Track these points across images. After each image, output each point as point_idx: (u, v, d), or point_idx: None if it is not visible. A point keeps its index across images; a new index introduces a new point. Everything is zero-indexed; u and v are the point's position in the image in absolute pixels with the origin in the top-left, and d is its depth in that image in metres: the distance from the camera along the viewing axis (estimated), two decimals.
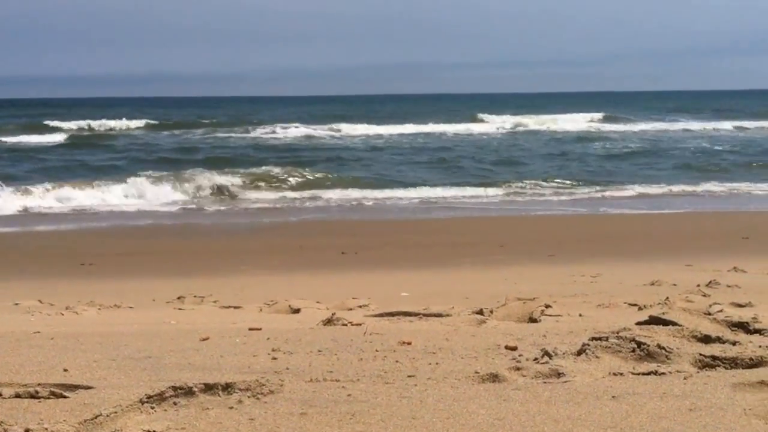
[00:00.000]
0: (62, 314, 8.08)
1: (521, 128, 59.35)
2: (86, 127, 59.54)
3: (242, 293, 10.30)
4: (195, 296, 9.80)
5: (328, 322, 6.29)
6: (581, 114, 70.23)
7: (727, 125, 60.67)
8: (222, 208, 24.41)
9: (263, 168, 31.59)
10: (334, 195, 26.22)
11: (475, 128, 59.01)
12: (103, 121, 62.63)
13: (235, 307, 8.62)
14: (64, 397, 4.12)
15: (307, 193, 26.76)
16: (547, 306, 6.94)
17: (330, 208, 23.92)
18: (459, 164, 36.07)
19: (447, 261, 14.16)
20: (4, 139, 46.78)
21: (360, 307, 8.13)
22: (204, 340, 5.48)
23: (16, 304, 9.33)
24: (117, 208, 23.52)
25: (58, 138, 48.71)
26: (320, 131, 55.25)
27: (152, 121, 64.38)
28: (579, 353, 4.75)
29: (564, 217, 22.34)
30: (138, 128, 60.16)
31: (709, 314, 5.85)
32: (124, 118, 64.62)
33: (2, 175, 28.23)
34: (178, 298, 9.76)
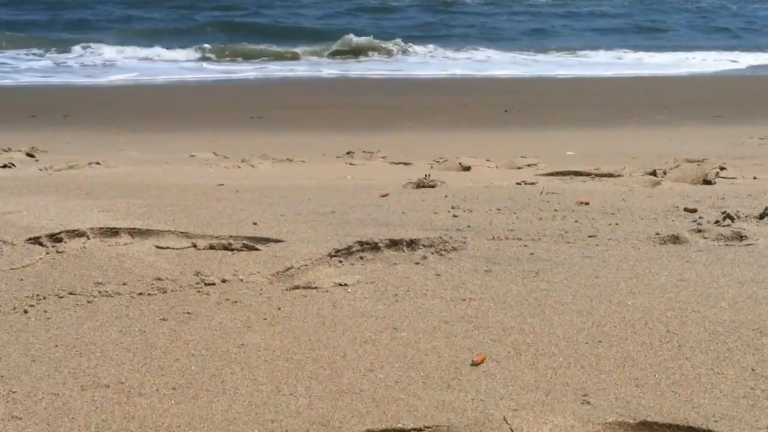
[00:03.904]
0: (239, 167, 8.24)
1: None
2: None
3: (409, 149, 10.32)
4: (364, 151, 9.85)
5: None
6: None
7: None
8: None
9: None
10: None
11: None
12: None
13: (405, 164, 8.65)
14: (256, 249, 4.24)
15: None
16: (722, 168, 6.71)
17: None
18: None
19: (610, 121, 13.85)
20: None
21: (529, 165, 8.06)
22: (384, 196, 5.51)
23: (192, 155, 9.57)
24: None
25: None
26: None
27: None
28: (761, 217, 4.59)
29: (730, 77, 21.46)
30: None
31: None
32: None
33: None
34: (348, 153, 9.83)
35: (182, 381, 2.75)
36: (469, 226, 4.59)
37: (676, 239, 4.30)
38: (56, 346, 3.05)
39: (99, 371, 2.83)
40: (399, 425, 2.42)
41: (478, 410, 2.50)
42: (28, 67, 22.14)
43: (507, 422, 2.42)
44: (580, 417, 2.45)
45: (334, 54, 26.20)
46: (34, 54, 24.55)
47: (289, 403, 2.58)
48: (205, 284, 3.73)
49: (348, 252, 4.12)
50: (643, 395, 2.58)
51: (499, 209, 5.01)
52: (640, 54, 26.66)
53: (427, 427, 2.41)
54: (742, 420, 2.41)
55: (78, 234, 4.42)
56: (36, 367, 2.86)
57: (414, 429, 2.41)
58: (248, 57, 24.94)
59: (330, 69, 22.77)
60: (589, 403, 2.54)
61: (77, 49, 25.19)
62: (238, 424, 2.46)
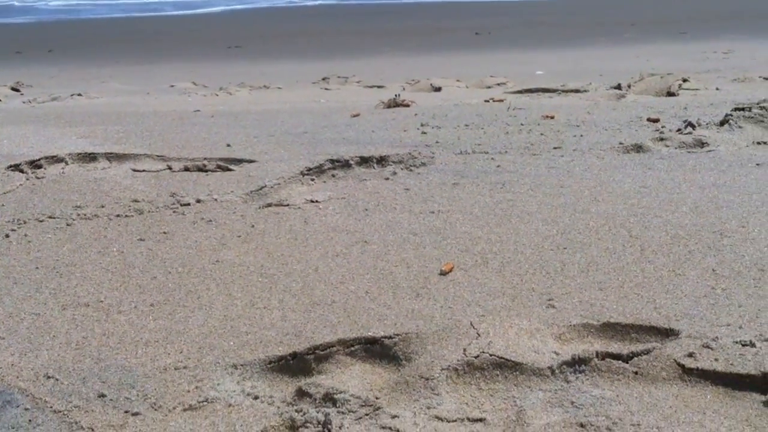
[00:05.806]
0: (216, 95, 8.16)
1: None
2: None
3: (384, 74, 10.22)
4: (339, 77, 9.76)
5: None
6: None
7: None
8: None
9: None
10: None
11: None
12: None
13: (379, 87, 8.58)
14: (230, 170, 4.20)
15: None
16: (685, 80, 6.67)
17: None
18: None
19: (579, 40, 13.73)
20: None
21: (498, 84, 8.00)
22: (355, 116, 5.46)
23: (172, 86, 9.47)
24: None
25: None
26: None
27: None
28: (722, 124, 4.58)
29: None
30: None
31: None
32: None
33: None
34: (323, 78, 9.74)
35: (159, 298, 2.73)
36: (437, 142, 4.55)
37: (639, 148, 4.28)
38: (37, 268, 3.02)
39: (79, 291, 2.80)
40: (369, 334, 2.41)
41: (446, 317, 2.49)
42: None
43: (474, 327, 2.41)
44: (545, 320, 2.44)
45: None
46: None
47: (263, 315, 2.57)
48: (181, 205, 3.69)
49: (319, 170, 4.09)
50: (606, 298, 2.57)
51: (467, 125, 4.97)
52: None
53: (397, 335, 2.40)
54: (703, 318, 2.41)
55: (57, 160, 4.37)
56: (17, 289, 2.83)
57: (384, 337, 2.40)
58: None
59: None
60: (554, 306, 2.53)
61: None
62: (214, 337, 2.44)
